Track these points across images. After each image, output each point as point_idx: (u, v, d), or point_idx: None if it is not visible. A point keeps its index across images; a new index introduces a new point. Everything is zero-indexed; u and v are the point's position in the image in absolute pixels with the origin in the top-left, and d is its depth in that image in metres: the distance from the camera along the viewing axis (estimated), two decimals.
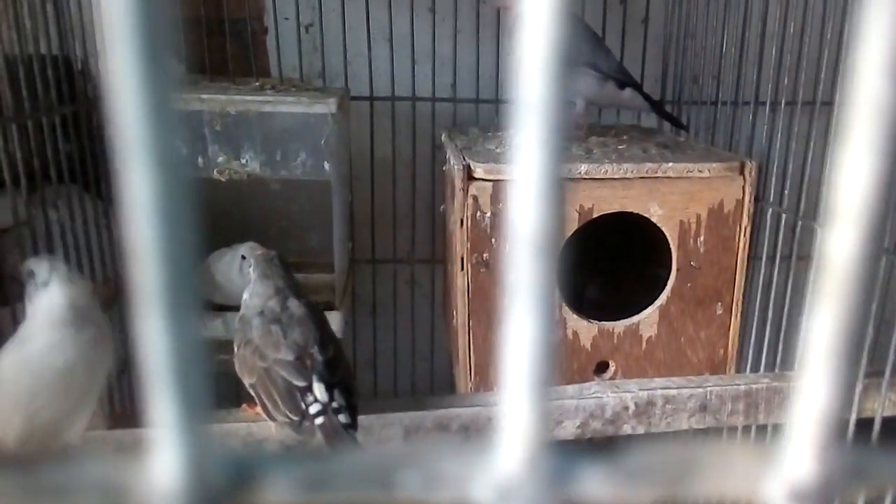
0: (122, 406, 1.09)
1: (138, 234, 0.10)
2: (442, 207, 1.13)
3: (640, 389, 0.73)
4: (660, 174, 0.86)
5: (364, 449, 0.10)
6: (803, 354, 0.09)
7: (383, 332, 1.37)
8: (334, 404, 0.66)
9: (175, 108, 0.11)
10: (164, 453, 0.09)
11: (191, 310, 0.09)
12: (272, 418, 0.66)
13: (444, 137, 1.09)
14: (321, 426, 0.65)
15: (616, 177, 0.86)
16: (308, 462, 0.09)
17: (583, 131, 1.08)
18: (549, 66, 0.09)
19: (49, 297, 0.66)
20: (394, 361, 1.38)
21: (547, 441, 0.10)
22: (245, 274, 1.01)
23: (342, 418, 0.65)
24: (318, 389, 0.66)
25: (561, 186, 0.09)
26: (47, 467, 0.09)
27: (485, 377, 0.93)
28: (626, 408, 0.73)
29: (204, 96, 0.98)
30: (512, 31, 1.01)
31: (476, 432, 0.69)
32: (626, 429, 0.73)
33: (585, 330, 0.92)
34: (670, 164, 0.86)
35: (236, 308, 1.05)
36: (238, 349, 0.70)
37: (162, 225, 0.09)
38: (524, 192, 0.10)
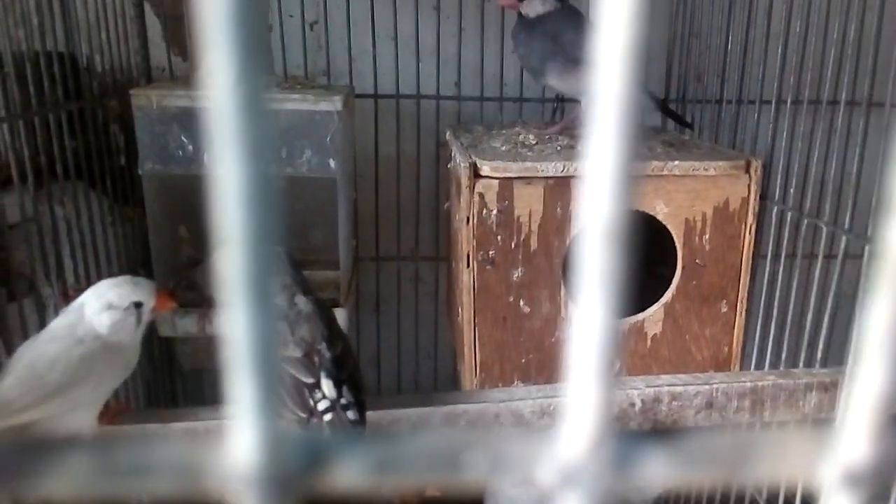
0: (129, 400, 1.10)
1: (228, 221, 0.10)
2: (446, 205, 1.13)
3: (647, 386, 0.73)
4: (666, 172, 0.87)
5: (432, 432, 0.10)
6: (859, 340, 0.10)
7: (387, 329, 1.37)
8: (342, 401, 0.66)
9: (266, 99, 0.11)
10: (241, 435, 0.09)
11: (271, 296, 0.10)
12: (280, 415, 0.67)
13: (448, 135, 1.09)
14: (330, 423, 0.65)
15: None
16: (378, 445, 0.10)
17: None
18: (627, 60, 0.10)
19: (118, 330, 0.68)
20: (397, 359, 1.38)
21: (611, 426, 0.10)
22: None
23: (350, 415, 0.66)
24: (327, 386, 0.66)
25: (633, 178, 0.10)
26: (124, 448, 0.10)
27: (490, 373, 0.93)
28: (633, 404, 0.73)
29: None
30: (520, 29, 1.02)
31: (483, 428, 0.69)
32: (632, 425, 0.73)
33: None
34: (676, 162, 0.87)
35: None
36: None
37: (250, 214, 0.10)
38: (598, 183, 0.10)
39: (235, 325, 0.10)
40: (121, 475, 0.09)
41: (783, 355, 0.89)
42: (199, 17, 0.10)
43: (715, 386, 0.74)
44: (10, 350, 0.82)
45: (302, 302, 0.69)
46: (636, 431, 0.10)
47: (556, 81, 1.05)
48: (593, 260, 0.10)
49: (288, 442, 0.10)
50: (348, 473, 0.10)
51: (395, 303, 1.36)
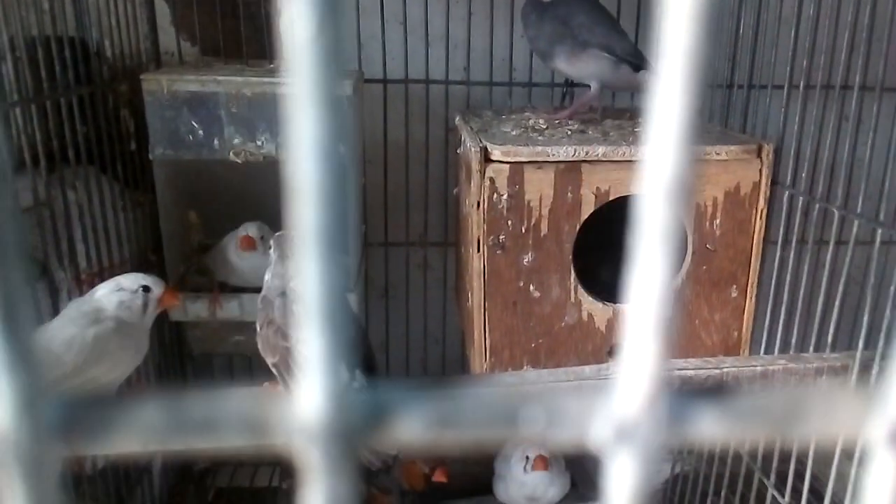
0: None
1: (302, 176, 0.10)
2: (455, 190, 1.13)
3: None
4: None
5: (490, 388, 0.10)
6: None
7: (395, 314, 1.38)
8: (355, 384, 0.66)
9: (340, 60, 0.11)
10: (308, 389, 0.10)
11: (342, 253, 0.10)
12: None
13: (457, 120, 1.09)
14: None
15: (634, 159, 0.86)
16: (439, 400, 0.10)
17: (597, 114, 1.08)
18: (696, 16, 0.10)
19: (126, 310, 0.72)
20: (406, 344, 1.39)
21: (664, 383, 0.10)
22: (252, 255, 1.02)
23: None
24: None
25: (695, 137, 0.10)
26: (193, 402, 0.10)
27: (500, 358, 0.93)
28: None
29: (220, 78, 0.98)
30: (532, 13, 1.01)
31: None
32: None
33: (600, 312, 0.92)
34: None
35: (252, 289, 1.06)
36: (261, 329, 0.70)
37: (323, 168, 0.10)
38: (662, 138, 0.10)
39: (307, 279, 0.10)
40: (189, 430, 0.10)
41: (793, 340, 0.89)
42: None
43: (725, 370, 0.74)
44: None
45: None
46: (688, 390, 0.10)
47: (564, 65, 1.05)
48: (653, 218, 0.10)
49: (352, 397, 0.10)
50: (409, 428, 0.10)
51: (403, 288, 1.36)
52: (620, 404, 0.10)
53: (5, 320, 0.09)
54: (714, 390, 0.10)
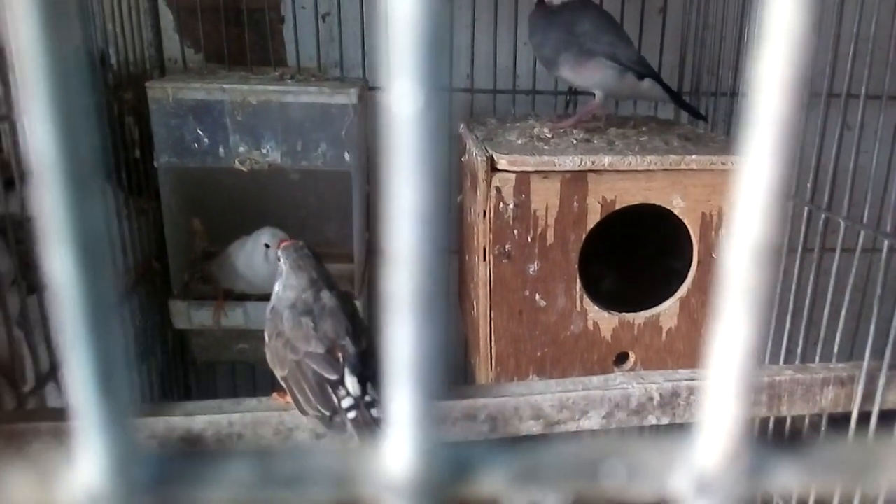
0: (143, 393, 1.10)
1: (401, 243, 0.10)
2: (459, 198, 1.13)
3: (665, 380, 0.74)
4: (683, 166, 0.87)
5: (570, 441, 0.10)
6: None
7: None
8: (367, 398, 0.65)
9: (443, 136, 0.11)
10: (397, 445, 0.10)
11: (440, 314, 0.10)
12: (304, 412, 0.66)
13: (462, 128, 1.09)
14: (353, 420, 0.65)
15: (640, 169, 0.86)
16: (520, 454, 0.10)
17: (602, 122, 1.08)
18: (790, 86, 0.10)
19: None
20: None
21: (745, 436, 0.10)
22: (270, 262, 1.02)
23: (375, 412, 0.65)
24: (351, 382, 0.66)
25: (785, 199, 0.10)
26: (281, 457, 0.10)
27: (505, 367, 0.93)
28: (651, 398, 0.74)
29: (226, 86, 0.98)
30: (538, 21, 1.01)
31: (503, 423, 0.70)
32: (651, 419, 0.74)
33: (606, 321, 0.93)
34: (694, 156, 0.87)
35: (258, 297, 1.06)
36: (269, 341, 0.70)
37: (423, 237, 0.10)
38: (753, 199, 0.10)
39: (401, 342, 0.10)
40: (278, 484, 0.10)
41: (798, 349, 0.90)
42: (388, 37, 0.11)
43: None
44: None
45: (326, 296, 0.70)
46: (765, 439, 0.10)
47: (569, 73, 1.05)
48: (741, 276, 0.10)
49: (438, 451, 0.10)
50: (492, 482, 0.10)
51: None
52: (701, 457, 0.10)
53: (102, 381, 0.09)
54: (791, 441, 0.10)
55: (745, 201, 0.10)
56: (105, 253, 0.09)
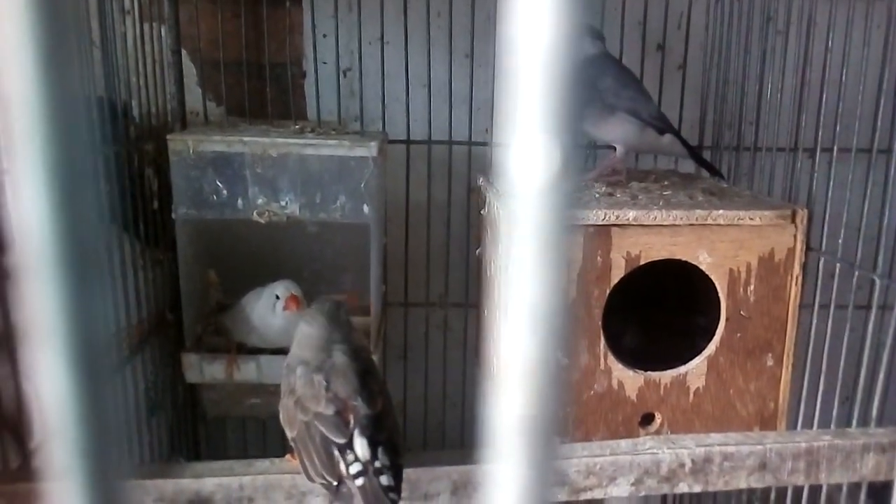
0: (152, 447, 1.07)
1: (526, 304, 0.08)
2: (478, 251, 1.11)
3: (697, 446, 0.70)
4: (710, 221, 0.85)
5: None
6: None
7: (414, 376, 1.34)
8: (377, 463, 0.62)
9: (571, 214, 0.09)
10: None
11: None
12: (310, 479, 0.63)
13: (481, 181, 1.09)
14: (361, 489, 0.61)
15: (665, 223, 0.84)
16: None
17: (623, 176, 1.07)
18: None
19: None
20: (424, 407, 1.35)
21: None
22: (279, 315, 1.00)
23: (384, 480, 0.61)
24: (360, 446, 0.62)
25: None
26: None
27: None
28: (683, 464, 0.70)
29: (246, 139, 0.98)
30: None
31: None
32: (683, 487, 0.70)
33: (631, 380, 0.89)
34: (721, 211, 0.85)
35: (271, 351, 1.03)
36: (283, 398, 0.67)
37: (547, 293, 0.08)
38: None
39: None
40: None
41: (834, 412, 0.86)
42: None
43: (768, 446, 0.71)
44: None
45: (339, 354, 0.67)
46: None
47: (591, 128, 1.05)
48: None
49: None
50: None
51: (422, 350, 1.33)
52: None
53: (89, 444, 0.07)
54: None
55: None
56: (107, 364, 0.08)
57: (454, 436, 1.37)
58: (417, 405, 1.35)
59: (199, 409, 1.21)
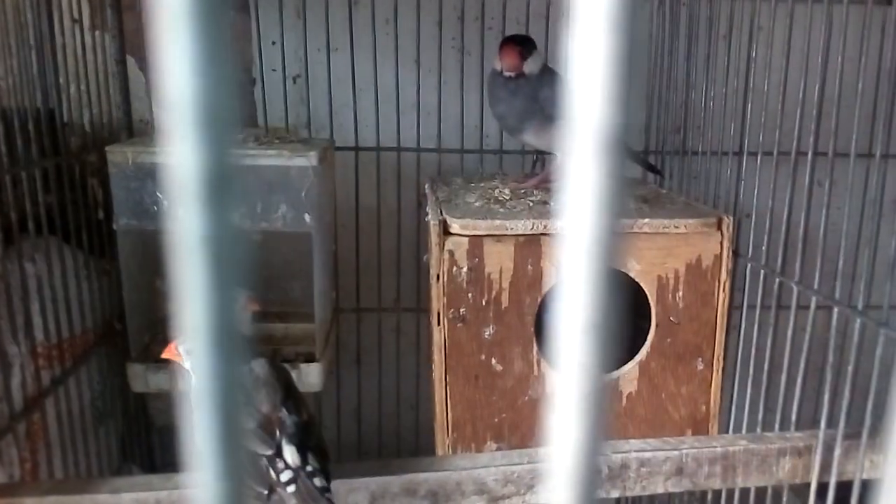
0: (100, 456, 1.08)
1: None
2: (426, 257, 1.12)
3: (614, 452, 0.72)
4: (636, 230, 0.86)
5: None
6: None
7: (368, 381, 1.36)
8: (308, 468, 0.63)
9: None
10: None
11: None
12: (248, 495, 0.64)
13: (426, 188, 1.10)
14: (296, 493, 0.62)
15: None
16: None
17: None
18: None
19: None
20: (378, 410, 1.36)
21: None
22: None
23: (318, 482, 0.63)
24: (290, 453, 0.63)
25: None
26: None
27: (462, 433, 0.91)
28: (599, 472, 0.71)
29: None
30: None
31: (444, 498, 0.67)
32: (600, 493, 0.71)
33: None
34: (647, 220, 0.86)
35: None
36: None
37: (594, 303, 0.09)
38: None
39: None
40: None
41: (760, 414, 0.87)
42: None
43: (685, 451, 0.72)
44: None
45: (258, 366, 0.68)
46: None
47: (532, 138, 1.06)
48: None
49: None
50: None
51: (376, 354, 1.34)
52: None
53: None
54: None
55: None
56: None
57: (409, 437, 1.38)
58: (372, 408, 1.36)
59: (150, 419, 1.21)
